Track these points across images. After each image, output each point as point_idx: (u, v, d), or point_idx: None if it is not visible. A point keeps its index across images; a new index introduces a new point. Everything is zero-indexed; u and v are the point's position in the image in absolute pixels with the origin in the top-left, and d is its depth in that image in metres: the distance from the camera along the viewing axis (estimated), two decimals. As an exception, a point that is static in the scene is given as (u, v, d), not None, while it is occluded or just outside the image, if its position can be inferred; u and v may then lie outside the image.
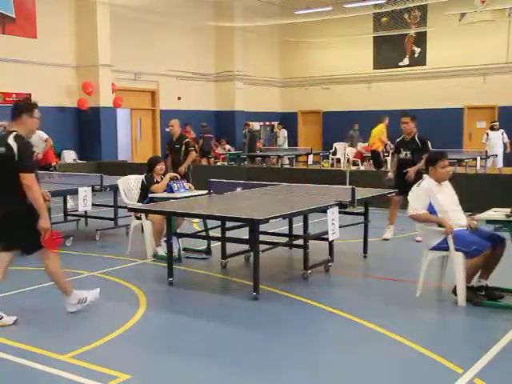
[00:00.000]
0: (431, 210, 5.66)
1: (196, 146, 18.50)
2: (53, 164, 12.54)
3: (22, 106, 5.20)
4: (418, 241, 7.79)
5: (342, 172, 13.02)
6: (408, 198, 5.95)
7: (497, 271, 5.63)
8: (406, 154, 8.58)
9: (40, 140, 12.47)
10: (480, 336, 4.88)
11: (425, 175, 5.92)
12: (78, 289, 5.52)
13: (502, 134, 17.01)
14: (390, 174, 8.74)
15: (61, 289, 5.37)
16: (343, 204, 6.54)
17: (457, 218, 5.67)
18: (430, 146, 8.42)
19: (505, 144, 16.99)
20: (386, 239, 8.57)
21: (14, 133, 4.96)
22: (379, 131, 15.37)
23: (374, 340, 4.76)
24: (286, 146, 22.37)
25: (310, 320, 5.27)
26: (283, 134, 22.98)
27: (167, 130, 19.48)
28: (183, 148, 10.07)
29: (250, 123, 21.15)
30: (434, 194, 5.70)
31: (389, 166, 8.84)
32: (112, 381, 3.96)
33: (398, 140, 8.93)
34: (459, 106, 21.38)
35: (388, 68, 22.85)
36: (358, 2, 20.02)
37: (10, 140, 4.89)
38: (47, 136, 12.50)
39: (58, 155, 17.00)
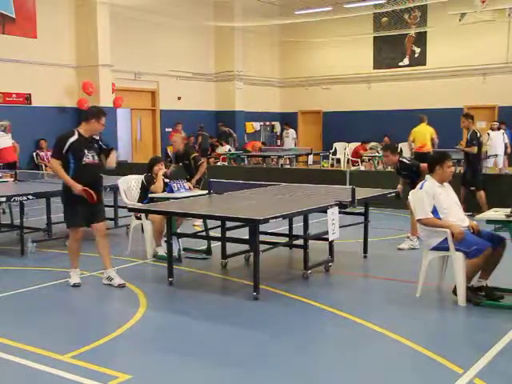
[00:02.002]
0: (433, 211, 5.64)
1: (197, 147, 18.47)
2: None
3: (92, 112, 6.26)
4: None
5: (341, 172, 13.03)
6: (411, 200, 5.92)
7: (497, 271, 5.64)
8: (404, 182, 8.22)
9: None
10: (480, 336, 4.88)
11: (427, 176, 5.89)
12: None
13: (503, 134, 17.00)
14: (400, 186, 8.34)
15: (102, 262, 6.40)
16: (343, 204, 6.54)
17: (459, 218, 5.67)
18: (414, 166, 7.93)
19: (505, 144, 16.97)
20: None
21: (72, 130, 6.20)
22: (430, 131, 14.28)
23: (374, 340, 4.76)
24: (294, 147, 22.01)
25: (310, 320, 5.27)
26: (292, 134, 22.71)
27: (167, 130, 19.73)
28: (192, 163, 9.92)
29: (220, 124, 21.00)
30: (437, 195, 5.68)
31: None
32: (112, 381, 3.96)
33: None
34: (459, 106, 21.36)
35: (388, 68, 22.82)
36: (358, 2, 20.00)
37: None
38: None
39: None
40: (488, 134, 17.17)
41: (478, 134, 10.94)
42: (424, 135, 14.21)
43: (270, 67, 24.39)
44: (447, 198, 5.74)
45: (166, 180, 8.07)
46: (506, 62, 20.02)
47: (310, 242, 6.69)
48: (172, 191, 7.61)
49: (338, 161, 21.21)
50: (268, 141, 24.04)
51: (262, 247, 6.00)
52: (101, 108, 6.62)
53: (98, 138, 6.33)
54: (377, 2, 19.72)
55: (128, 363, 4.34)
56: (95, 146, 6.27)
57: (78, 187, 5.98)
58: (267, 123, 24.61)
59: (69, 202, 6.17)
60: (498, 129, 17.01)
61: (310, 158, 19.51)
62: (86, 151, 6.09)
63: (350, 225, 7.87)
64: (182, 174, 9.87)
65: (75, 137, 6.07)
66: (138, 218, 7.87)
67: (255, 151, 20.39)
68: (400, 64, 22.66)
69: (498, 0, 18.09)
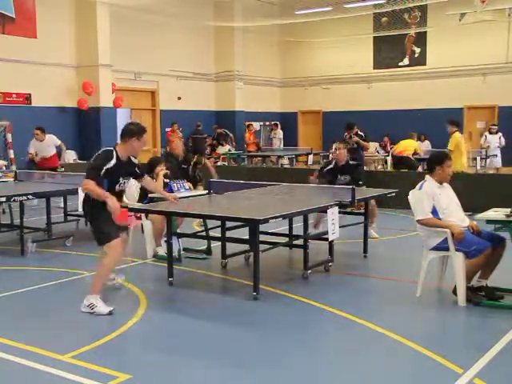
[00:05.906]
0: (433, 211, 5.63)
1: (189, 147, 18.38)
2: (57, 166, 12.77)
3: (132, 131, 5.59)
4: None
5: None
6: (410, 201, 5.91)
7: (497, 271, 5.64)
8: (345, 178, 8.32)
9: (52, 144, 12.65)
10: (480, 336, 4.88)
11: (426, 176, 5.89)
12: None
13: (500, 138, 17.02)
14: (312, 178, 8.61)
15: (92, 283, 5.57)
16: (343, 204, 6.54)
17: (458, 219, 5.66)
18: (361, 153, 8.21)
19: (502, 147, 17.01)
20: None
21: (111, 149, 5.59)
22: (415, 146, 15.36)
23: (374, 340, 4.76)
24: (281, 147, 22.09)
25: (309, 320, 5.27)
26: (279, 134, 22.76)
27: (167, 129, 19.71)
28: (193, 167, 9.49)
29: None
30: (437, 195, 5.67)
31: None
32: (112, 381, 3.96)
33: (327, 168, 8.54)
34: (459, 106, 21.37)
35: (388, 68, 22.83)
36: (358, 2, 20.01)
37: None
38: (60, 141, 12.74)
39: (58, 155, 17.03)
40: (485, 136, 17.19)
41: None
42: (406, 147, 15.09)
43: (270, 67, 24.40)
44: (447, 198, 5.73)
45: (166, 180, 8.06)
46: (506, 62, 20.02)
47: (310, 241, 6.69)
48: (172, 191, 7.60)
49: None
50: (268, 141, 24.04)
51: (261, 247, 6.00)
52: (140, 124, 5.83)
53: (135, 160, 5.79)
54: (377, 2, 19.73)
55: (128, 363, 4.34)
56: (134, 170, 5.81)
57: (117, 205, 5.37)
58: (267, 123, 24.62)
59: (101, 215, 5.44)
60: (496, 132, 17.04)
61: (310, 157, 19.51)
62: (121, 179, 5.61)
63: (350, 225, 7.87)
64: (181, 175, 9.80)
65: (113, 161, 5.48)
66: (138, 218, 7.87)
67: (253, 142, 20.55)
68: (400, 64, 22.67)
69: (498, 0, 18.10)
